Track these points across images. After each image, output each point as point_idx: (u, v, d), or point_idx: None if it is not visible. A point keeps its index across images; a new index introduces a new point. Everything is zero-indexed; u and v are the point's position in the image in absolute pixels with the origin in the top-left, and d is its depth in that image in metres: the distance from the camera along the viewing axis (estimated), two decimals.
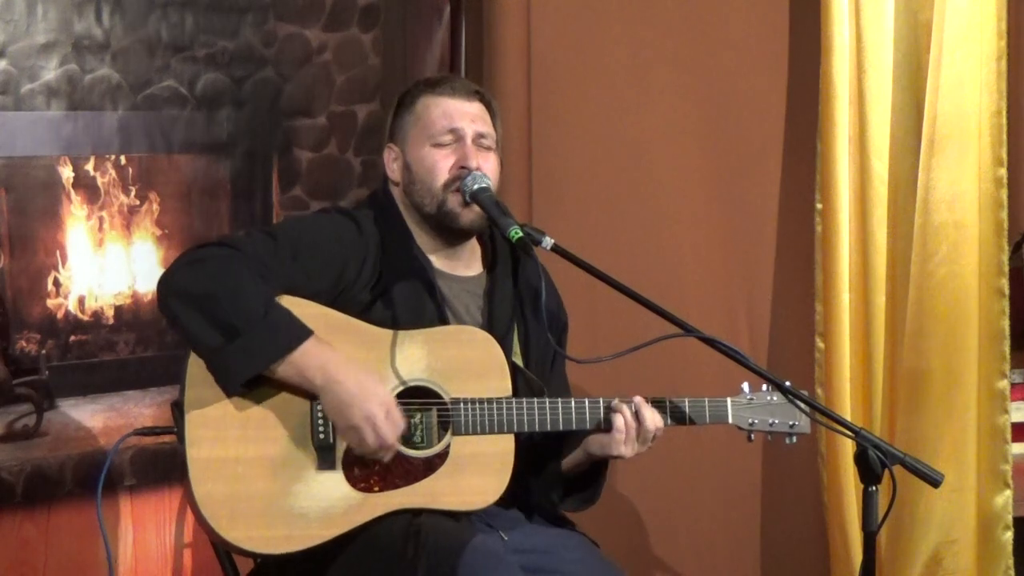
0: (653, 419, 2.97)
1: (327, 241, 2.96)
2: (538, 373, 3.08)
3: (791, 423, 3.09)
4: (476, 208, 2.99)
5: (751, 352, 3.86)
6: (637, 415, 2.96)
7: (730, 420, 3.07)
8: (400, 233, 3.04)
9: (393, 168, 3.09)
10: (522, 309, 3.11)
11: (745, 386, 3.08)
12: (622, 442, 2.96)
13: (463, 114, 3.04)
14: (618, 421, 2.96)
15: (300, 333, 2.82)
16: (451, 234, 3.05)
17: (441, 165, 3.02)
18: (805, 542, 3.96)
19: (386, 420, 2.82)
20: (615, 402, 2.98)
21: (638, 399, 2.98)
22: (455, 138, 3.03)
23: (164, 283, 2.85)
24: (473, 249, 3.12)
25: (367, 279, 2.97)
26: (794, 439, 3.12)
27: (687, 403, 3.05)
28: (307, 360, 2.81)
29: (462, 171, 3.00)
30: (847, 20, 3.75)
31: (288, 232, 2.96)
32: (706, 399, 3.06)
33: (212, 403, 2.82)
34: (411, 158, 3.05)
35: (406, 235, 3.04)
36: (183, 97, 3.55)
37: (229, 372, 2.80)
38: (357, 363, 2.85)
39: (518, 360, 3.06)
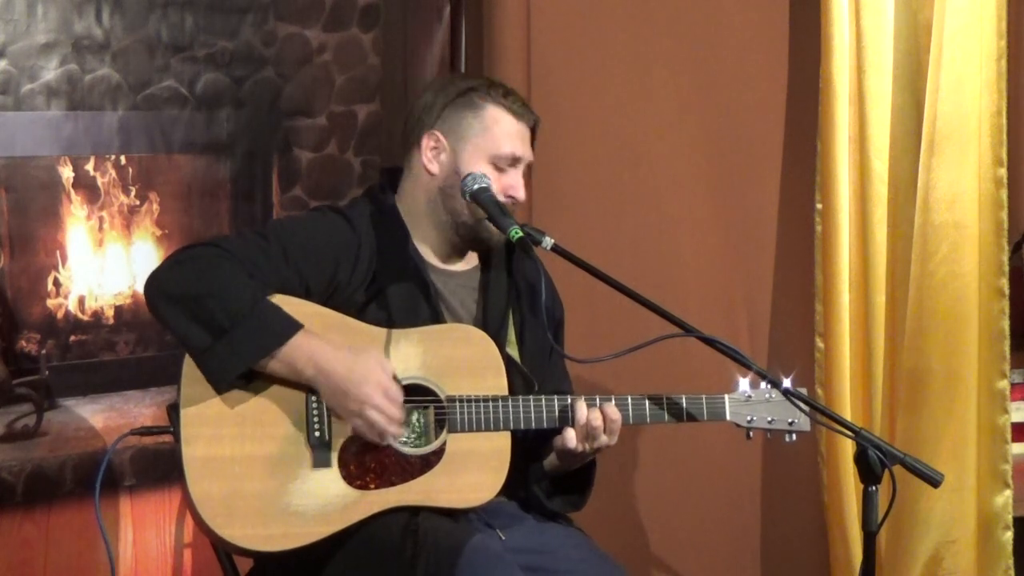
0: (593, 417, 2.95)
1: (320, 241, 2.96)
2: (536, 365, 3.08)
3: (790, 421, 3.06)
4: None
5: (751, 352, 3.86)
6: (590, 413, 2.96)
7: (728, 417, 3.06)
8: (396, 231, 3.03)
9: (431, 157, 3.04)
10: (518, 301, 3.11)
11: (743, 382, 3.06)
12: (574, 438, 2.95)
13: (524, 140, 3.05)
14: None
15: (288, 327, 2.82)
16: (470, 243, 3.05)
17: (495, 187, 3.00)
18: (805, 542, 3.95)
19: (385, 399, 2.82)
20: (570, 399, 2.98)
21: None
22: (512, 163, 3.03)
23: (150, 285, 2.87)
24: None
25: (361, 279, 2.97)
26: (793, 437, 3.09)
27: (684, 400, 3.04)
28: (296, 353, 2.82)
29: (508, 199, 3.00)
30: (847, 20, 3.76)
31: (280, 232, 2.96)
32: (704, 396, 3.05)
33: (208, 401, 2.83)
34: (465, 165, 3.02)
35: (402, 233, 3.04)
36: (183, 97, 3.54)
37: (218, 370, 2.81)
38: (349, 348, 2.85)
39: (513, 351, 3.07)
